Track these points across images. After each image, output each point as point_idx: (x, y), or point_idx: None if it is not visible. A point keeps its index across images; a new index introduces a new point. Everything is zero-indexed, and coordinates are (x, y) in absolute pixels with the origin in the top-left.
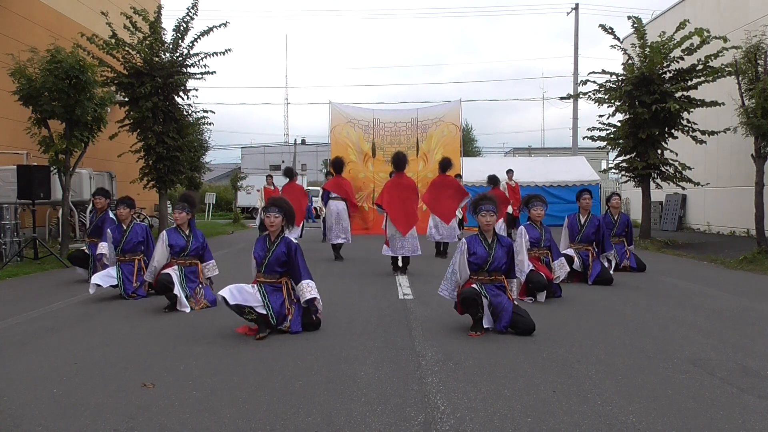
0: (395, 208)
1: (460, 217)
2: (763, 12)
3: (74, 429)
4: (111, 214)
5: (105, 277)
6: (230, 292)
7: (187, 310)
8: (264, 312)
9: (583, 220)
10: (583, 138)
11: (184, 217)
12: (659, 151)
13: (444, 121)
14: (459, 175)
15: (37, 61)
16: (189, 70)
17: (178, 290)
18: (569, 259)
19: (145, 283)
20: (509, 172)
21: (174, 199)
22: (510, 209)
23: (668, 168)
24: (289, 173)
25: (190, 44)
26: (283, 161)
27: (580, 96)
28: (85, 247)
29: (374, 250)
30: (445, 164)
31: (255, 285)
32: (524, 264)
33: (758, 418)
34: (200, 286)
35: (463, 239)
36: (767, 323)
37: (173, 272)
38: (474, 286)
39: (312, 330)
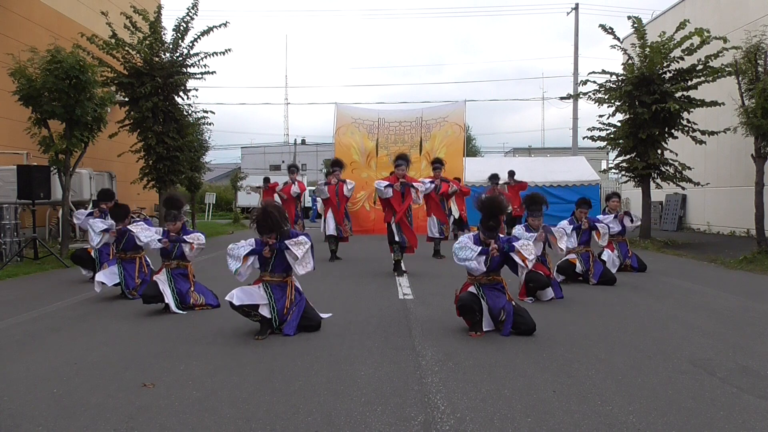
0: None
1: (457, 216)
2: (763, 12)
3: (74, 429)
4: None
5: (109, 275)
6: (236, 296)
7: (183, 312)
8: (268, 315)
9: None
10: (583, 138)
11: (178, 227)
12: (659, 151)
13: (448, 121)
14: (457, 179)
15: (37, 61)
16: (189, 70)
17: (168, 299)
18: (571, 266)
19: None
20: (511, 173)
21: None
22: (510, 209)
23: (668, 168)
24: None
25: (190, 44)
26: (283, 161)
27: (580, 96)
28: (89, 246)
29: (374, 250)
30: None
31: (260, 284)
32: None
33: (758, 418)
34: (191, 289)
35: (463, 237)
36: (767, 323)
37: (161, 278)
38: (472, 289)
39: (312, 330)
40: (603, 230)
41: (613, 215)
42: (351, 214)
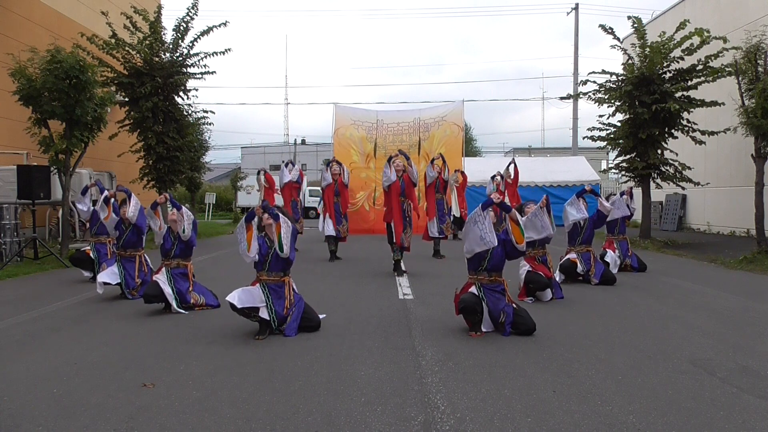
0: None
1: (458, 215)
2: (763, 12)
3: (74, 429)
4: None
5: (111, 275)
6: (237, 297)
7: (184, 312)
8: (267, 317)
9: (582, 223)
10: (583, 138)
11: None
12: (659, 151)
13: (446, 121)
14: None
15: (37, 61)
16: (189, 70)
17: (170, 298)
18: (572, 266)
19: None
20: (506, 170)
21: (175, 198)
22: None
23: (668, 168)
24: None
25: (190, 44)
26: (282, 161)
27: (580, 96)
28: (88, 247)
29: (374, 250)
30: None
31: (258, 285)
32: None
33: (758, 418)
34: (190, 288)
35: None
36: (767, 323)
37: (161, 278)
38: (473, 290)
39: (312, 330)
40: (602, 200)
41: (619, 193)
42: (350, 214)
